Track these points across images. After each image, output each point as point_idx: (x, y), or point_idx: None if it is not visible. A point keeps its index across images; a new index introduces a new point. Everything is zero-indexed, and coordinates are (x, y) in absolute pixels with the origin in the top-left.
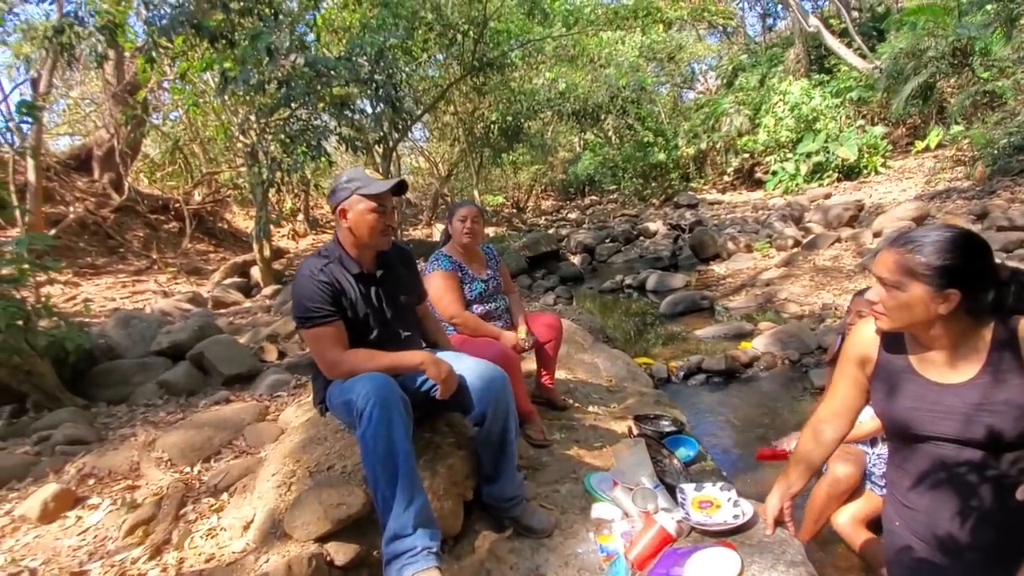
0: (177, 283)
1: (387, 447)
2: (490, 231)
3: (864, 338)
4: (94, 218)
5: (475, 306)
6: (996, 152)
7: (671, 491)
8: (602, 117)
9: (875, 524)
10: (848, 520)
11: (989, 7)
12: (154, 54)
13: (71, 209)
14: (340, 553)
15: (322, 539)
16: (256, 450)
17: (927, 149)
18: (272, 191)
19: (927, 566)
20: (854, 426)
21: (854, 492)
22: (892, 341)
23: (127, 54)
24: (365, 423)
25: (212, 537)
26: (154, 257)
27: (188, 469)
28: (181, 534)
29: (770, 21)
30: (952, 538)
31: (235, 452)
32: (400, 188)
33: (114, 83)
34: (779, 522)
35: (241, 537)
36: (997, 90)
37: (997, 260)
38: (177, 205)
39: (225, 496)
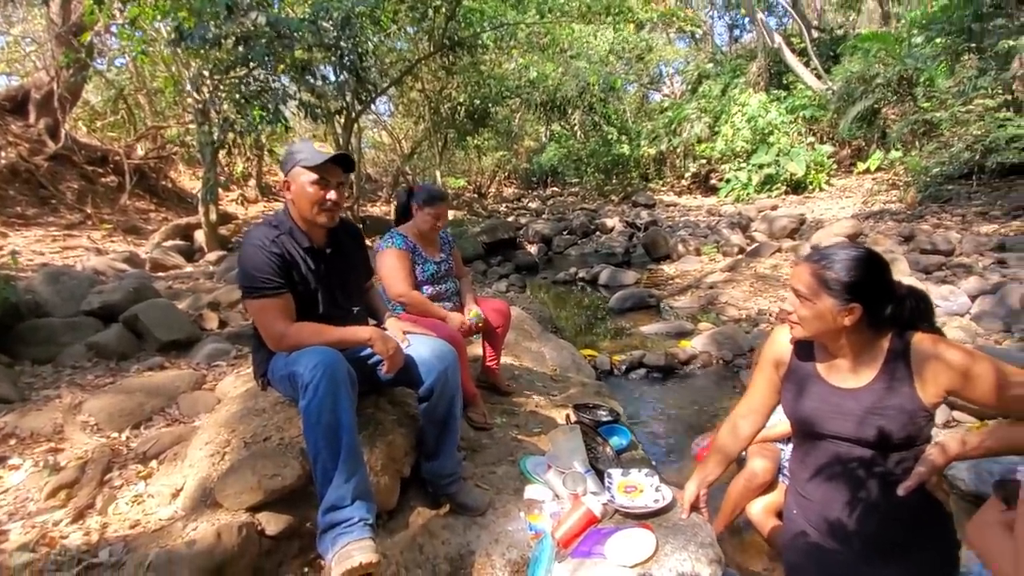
0: (112, 241)
1: (331, 421)
2: (450, 214)
3: (780, 344)
4: (26, 165)
5: (425, 287)
6: (928, 179)
7: (601, 476)
8: (569, 111)
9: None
10: (760, 510)
11: (939, 40)
12: None
13: (2, 154)
14: (272, 523)
15: (254, 509)
16: (190, 419)
17: (867, 171)
18: (223, 152)
19: (817, 550)
20: (767, 423)
21: (769, 486)
22: (803, 348)
23: None
24: (310, 395)
25: (138, 504)
26: (89, 211)
27: (116, 435)
28: (105, 499)
29: (737, 32)
30: (841, 525)
31: (167, 420)
32: (346, 163)
33: (58, 23)
34: (695, 507)
35: (169, 505)
36: (935, 120)
37: (903, 279)
38: (117, 158)
39: (154, 463)
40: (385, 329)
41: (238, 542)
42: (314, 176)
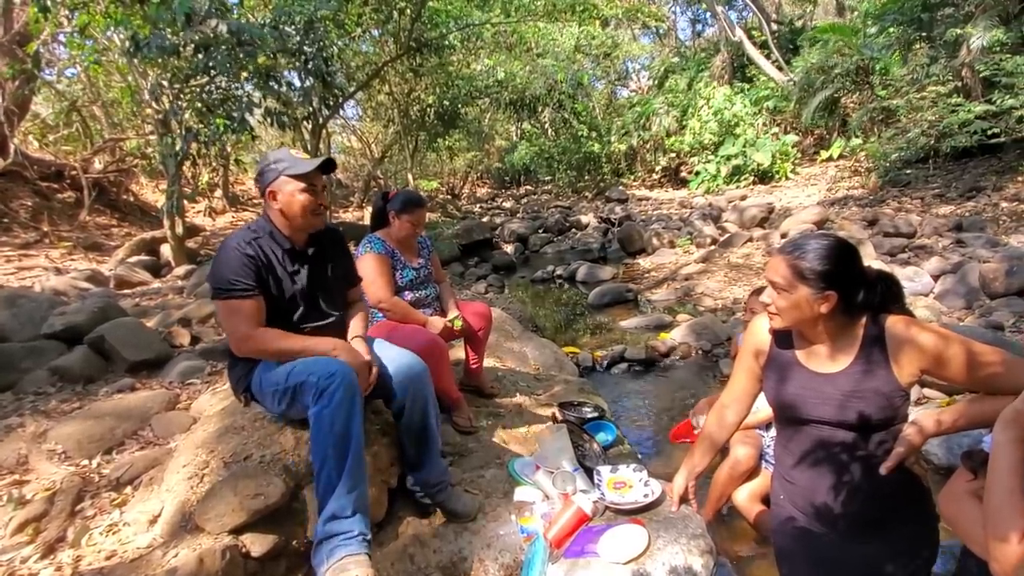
0: (72, 259)
1: (344, 430)
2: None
3: (759, 333)
4: None
5: (405, 293)
6: (887, 165)
7: (590, 473)
8: (539, 109)
9: (769, 499)
10: (746, 496)
11: (892, 30)
12: (48, 2)
13: None
14: (257, 544)
15: (237, 531)
16: (165, 441)
17: (830, 159)
18: (187, 163)
19: (806, 534)
20: (750, 411)
21: (752, 472)
22: (782, 337)
23: (17, 0)
24: (325, 402)
25: (113, 533)
26: (45, 229)
27: (86, 462)
28: (77, 531)
29: (699, 27)
30: (827, 508)
31: (140, 443)
32: (328, 167)
33: (0, 32)
34: (684, 499)
35: (147, 532)
36: (892, 107)
37: (870, 263)
38: (73, 173)
39: (128, 490)
40: None
41: (222, 567)
42: (302, 184)
